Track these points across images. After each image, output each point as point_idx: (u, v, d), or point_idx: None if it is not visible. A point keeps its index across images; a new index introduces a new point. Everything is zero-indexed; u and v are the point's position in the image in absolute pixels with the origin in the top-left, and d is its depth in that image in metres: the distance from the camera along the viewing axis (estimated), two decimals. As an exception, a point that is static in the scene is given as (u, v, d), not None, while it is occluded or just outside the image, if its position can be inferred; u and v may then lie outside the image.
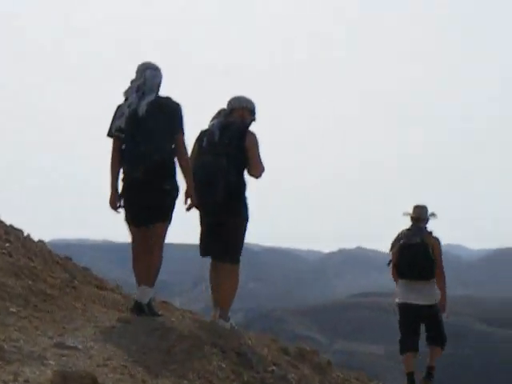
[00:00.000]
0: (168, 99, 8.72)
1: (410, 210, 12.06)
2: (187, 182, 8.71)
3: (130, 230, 8.91)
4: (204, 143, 9.19)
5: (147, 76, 8.67)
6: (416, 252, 11.59)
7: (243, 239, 9.34)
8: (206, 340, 8.10)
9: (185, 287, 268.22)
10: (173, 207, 8.78)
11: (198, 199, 8.81)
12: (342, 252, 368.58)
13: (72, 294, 9.32)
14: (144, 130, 8.44)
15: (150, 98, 8.58)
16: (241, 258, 9.32)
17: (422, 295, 11.68)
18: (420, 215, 11.99)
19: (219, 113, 9.42)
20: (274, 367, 8.40)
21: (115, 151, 8.68)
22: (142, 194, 8.57)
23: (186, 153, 8.76)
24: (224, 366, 7.58)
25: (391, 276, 12.03)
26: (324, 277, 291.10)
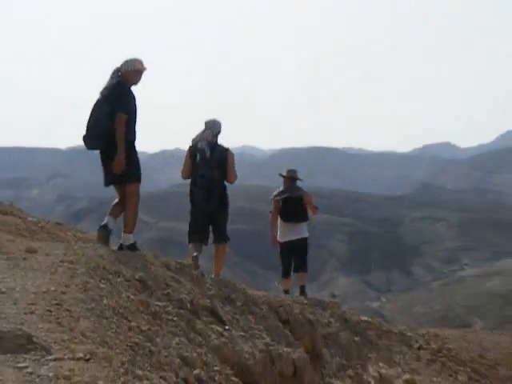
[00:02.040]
0: (119, 81, 8.41)
1: (284, 172, 12.84)
2: (119, 146, 8.29)
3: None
4: (198, 159, 9.91)
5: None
6: (297, 203, 12.54)
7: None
8: (109, 269, 6.90)
9: (40, 181, 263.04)
10: (133, 169, 8.62)
11: (199, 202, 9.94)
12: (162, 153, 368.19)
13: (-23, 224, 7.98)
14: (96, 111, 8.29)
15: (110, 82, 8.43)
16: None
17: (297, 232, 12.56)
18: (294, 175, 12.77)
19: (204, 133, 10.05)
20: (168, 290, 7.31)
21: None
22: (105, 164, 8.53)
23: (121, 127, 8.27)
24: (132, 297, 6.44)
25: (270, 220, 12.88)
26: (148, 173, 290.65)
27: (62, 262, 6.74)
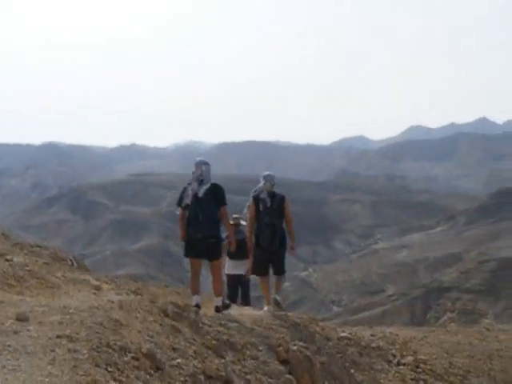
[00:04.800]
0: (217, 185, 8.82)
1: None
2: (229, 232, 9.05)
3: (191, 260, 8.85)
4: (261, 208, 9.74)
5: (204, 169, 8.85)
6: (243, 244, 11.16)
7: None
8: (113, 344, 5.07)
9: (17, 171, 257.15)
10: (219, 249, 8.85)
11: (265, 245, 9.69)
12: (120, 147, 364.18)
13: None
14: (201, 206, 8.64)
15: (207, 186, 8.73)
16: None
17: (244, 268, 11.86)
18: (237, 222, 12.30)
19: (265, 185, 9.89)
20: (178, 359, 5.53)
21: (183, 216, 8.84)
22: (200, 245, 8.64)
23: (227, 217, 8.89)
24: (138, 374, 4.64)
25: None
26: (109, 165, 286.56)
27: (59, 337, 4.91)
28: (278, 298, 9.94)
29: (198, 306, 8.49)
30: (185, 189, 8.92)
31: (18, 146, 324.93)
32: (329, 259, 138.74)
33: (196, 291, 8.78)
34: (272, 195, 9.85)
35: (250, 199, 9.96)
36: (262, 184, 9.97)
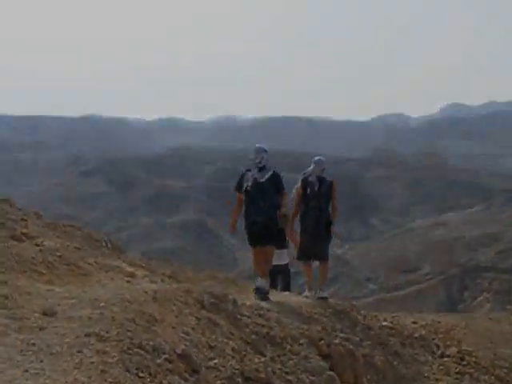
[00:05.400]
0: (277, 174, 9.03)
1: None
2: (283, 209, 8.96)
3: (254, 250, 9.09)
4: (308, 191, 9.60)
5: (264, 157, 9.02)
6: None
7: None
8: (145, 344, 4.69)
9: (54, 144, 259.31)
10: (274, 235, 8.99)
11: (309, 229, 9.52)
12: (159, 121, 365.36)
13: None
14: (262, 192, 8.83)
15: (269, 173, 8.93)
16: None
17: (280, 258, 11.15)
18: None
19: (314, 169, 9.70)
20: (215, 359, 5.14)
21: (240, 202, 9.05)
22: (259, 228, 8.83)
23: (286, 198, 9.09)
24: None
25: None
26: (146, 138, 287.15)
27: (87, 335, 4.54)
28: (324, 295, 9.67)
29: (262, 289, 8.72)
30: (243, 174, 9.10)
31: (56, 119, 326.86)
32: (365, 236, 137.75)
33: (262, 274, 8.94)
34: (321, 180, 9.72)
35: (299, 182, 9.85)
36: (311, 168, 9.84)
